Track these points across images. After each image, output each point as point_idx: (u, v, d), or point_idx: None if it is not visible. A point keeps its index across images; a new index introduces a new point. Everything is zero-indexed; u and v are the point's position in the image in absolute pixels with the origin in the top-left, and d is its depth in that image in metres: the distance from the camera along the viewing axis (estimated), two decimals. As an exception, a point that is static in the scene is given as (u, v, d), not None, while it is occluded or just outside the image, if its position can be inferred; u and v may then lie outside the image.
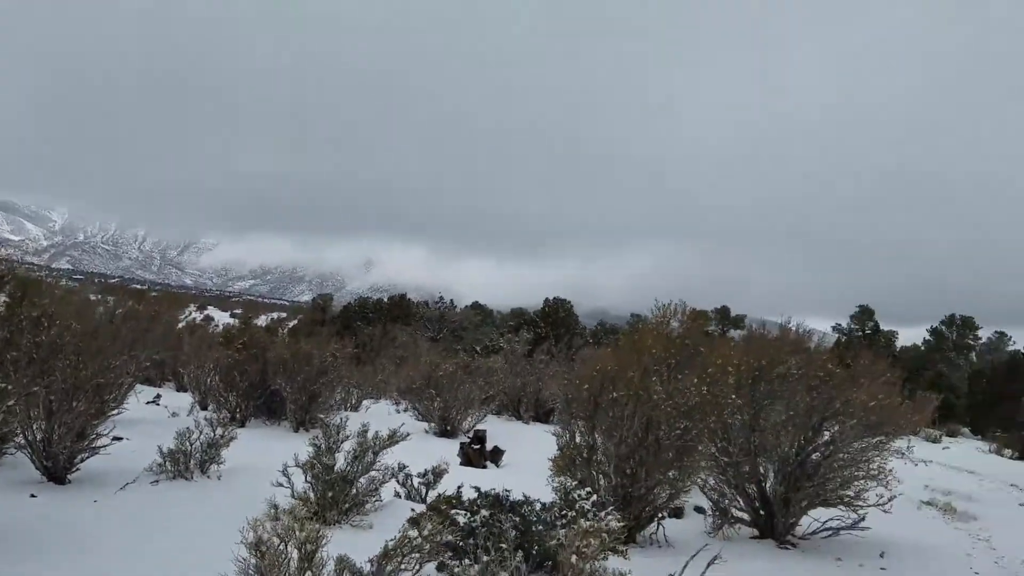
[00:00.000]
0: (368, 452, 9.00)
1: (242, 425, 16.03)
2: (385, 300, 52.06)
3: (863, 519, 10.98)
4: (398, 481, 10.23)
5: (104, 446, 10.05)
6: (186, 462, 9.97)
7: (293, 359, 16.58)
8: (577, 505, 7.94)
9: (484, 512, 7.41)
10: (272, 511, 7.79)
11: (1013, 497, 17.78)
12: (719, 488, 11.35)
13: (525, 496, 8.04)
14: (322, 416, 15.84)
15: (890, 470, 11.27)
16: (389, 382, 26.32)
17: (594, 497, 8.33)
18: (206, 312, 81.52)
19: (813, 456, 11.11)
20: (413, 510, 8.30)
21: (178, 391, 24.14)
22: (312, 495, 8.71)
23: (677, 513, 11.72)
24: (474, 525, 7.12)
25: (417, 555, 5.64)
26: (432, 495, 9.65)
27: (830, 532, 11.07)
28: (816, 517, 11.23)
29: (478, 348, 34.32)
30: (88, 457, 9.89)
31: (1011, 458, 27.42)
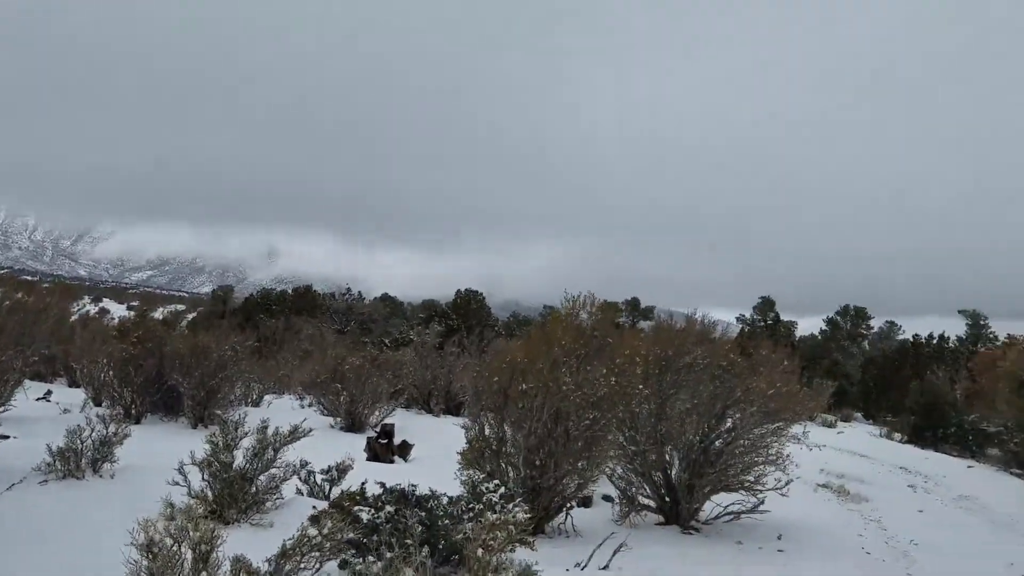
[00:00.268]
0: (268, 449, 8.72)
1: (137, 422, 15.41)
2: (289, 292, 50.90)
3: (762, 503, 11.33)
4: (300, 478, 9.96)
5: (-13, 445, 9.46)
6: (77, 461, 9.46)
7: (191, 353, 16.00)
8: (485, 498, 7.88)
9: (389, 508, 7.26)
10: (167, 511, 7.45)
11: (902, 479, 18.66)
12: (626, 476, 11.51)
13: (432, 490, 7.93)
14: (220, 412, 15.37)
15: (788, 455, 11.67)
16: (293, 376, 25.72)
17: (502, 489, 8.29)
18: (101, 304, 78.27)
19: (716, 443, 11.39)
20: (315, 507, 8.09)
21: (70, 387, 23.03)
22: (210, 494, 8.40)
23: (585, 502, 11.82)
24: (378, 521, 6.97)
25: (317, 553, 5.47)
26: (336, 492, 9.44)
27: (731, 516, 11.39)
28: (719, 502, 11.52)
29: (387, 341, 33.91)
30: (-31, 457, 9.29)
31: (900, 442, 28.80)
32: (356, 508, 7.00)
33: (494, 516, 7.03)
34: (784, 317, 55.34)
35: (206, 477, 8.48)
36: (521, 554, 7.21)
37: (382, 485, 7.73)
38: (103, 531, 7.56)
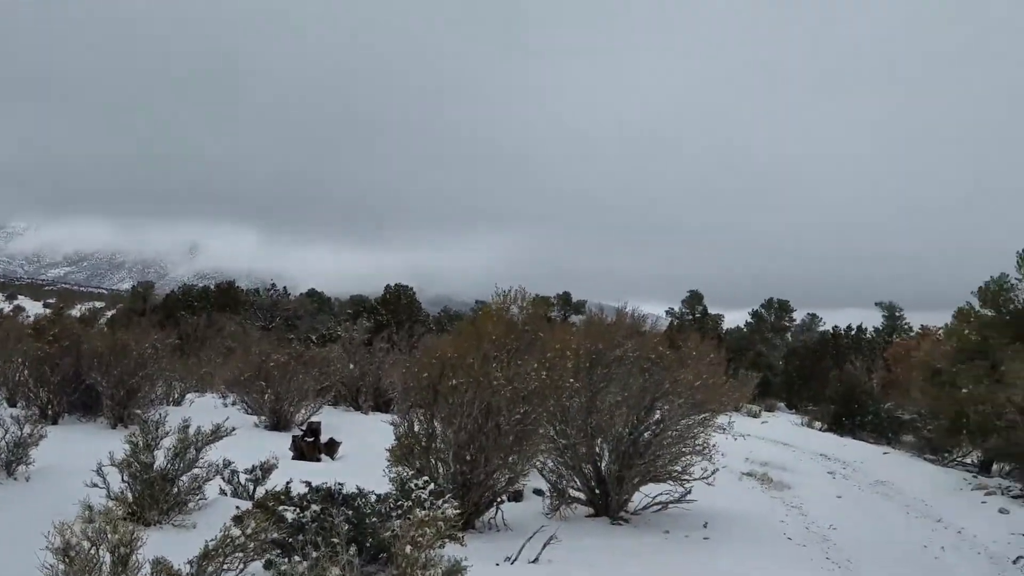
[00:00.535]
0: (190, 448, 8.47)
1: (54, 422, 14.81)
2: (212, 288, 49.68)
3: (689, 492, 11.54)
4: (223, 478, 9.71)
5: None
6: (-10, 463, 9.06)
7: (110, 351, 15.47)
8: (414, 495, 7.79)
9: (314, 507, 7.11)
10: (85, 513, 7.16)
11: (822, 466, 19.23)
12: (557, 470, 11.58)
13: (359, 488, 7.80)
14: (140, 412, 14.90)
15: (714, 445, 11.92)
16: (216, 374, 25.07)
17: (432, 486, 8.21)
18: (16, 302, 75.49)
19: (645, 435, 11.54)
20: (239, 508, 7.89)
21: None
22: (130, 495, 8.12)
23: (516, 496, 11.83)
24: (303, 521, 6.82)
25: (240, 554, 5.32)
26: (261, 491, 9.22)
27: (660, 506, 11.57)
28: (647, 493, 11.68)
29: (314, 337, 33.36)
30: None
31: (821, 430, 29.70)
32: (281, 508, 6.84)
33: (423, 513, 6.96)
34: (712, 310, 56.62)
35: (126, 478, 8.19)
36: (451, 550, 7.16)
37: (308, 484, 7.57)
38: (18, 535, 7.22)
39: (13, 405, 16.10)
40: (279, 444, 13.79)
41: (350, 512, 7.21)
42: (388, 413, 21.04)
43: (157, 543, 5.63)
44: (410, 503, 7.51)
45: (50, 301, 78.74)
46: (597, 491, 11.50)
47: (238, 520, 5.68)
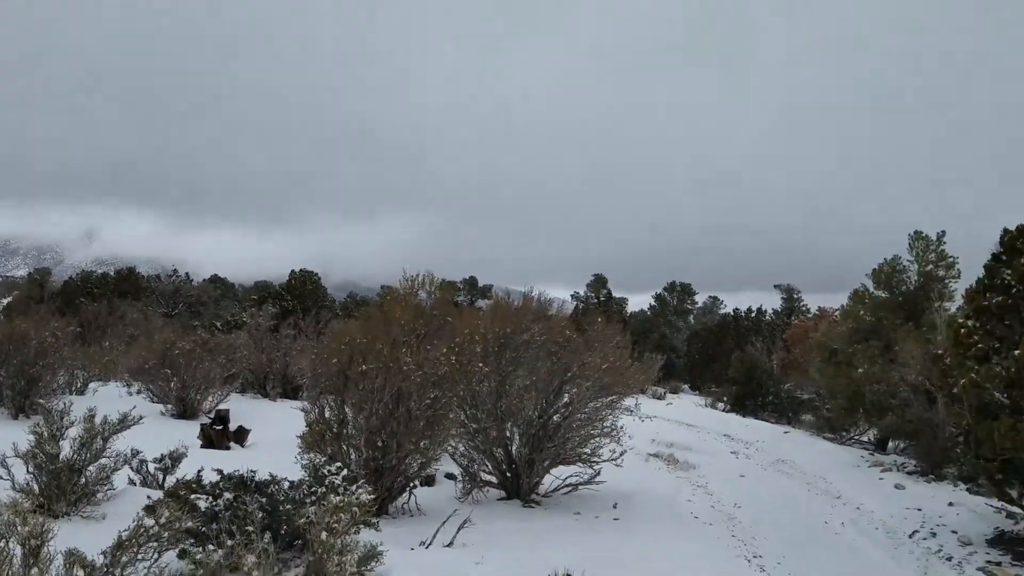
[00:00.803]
0: (97, 438, 8.21)
1: (-52, 414, 14.13)
2: (112, 274, 47.71)
3: (599, 473, 11.80)
4: (132, 468, 9.45)
5: None
6: None
7: (8, 340, 14.90)
8: (327, 481, 7.75)
9: (227, 495, 7.01)
10: (-8, 506, 6.87)
11: (726, 446, 19.90)
12: (469, 454, 11.66)
13: (272, 476, 7.72)
14: (43, 401, 14.36)
15: (622, 427, 12.19)
16: (119, 362, 24.19)
17: (345, 472, 8.17)
18: (-94, 291, 70.74)
19: (554, 418, 11.72)
20: (149, 497, 7.70)
21: None
22: (36, 487, 7.87)
23: (429, 481, 11.87)
24: (216, 509, 6.72)
25: (155, 544, 5.21)
26: (171, 480, 9.01)
27: (570, 488, 11.80)
28: (558, 475, 11.89)
29: (219, 324, 32.47)
30: None
31: (724, 411, 30.74)
32: (193, 496, 6.72)
33: (337, 499, 6.93)
34: (616, 294, 57.50)
35: (31, 469, 7.93)
36: (366, 535, 7.16)
37: (219, 472, 7.45)
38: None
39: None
40: (187, 433, 13.45)
41: (264, 500, 7.14)
42: (297, 400, 20.75)
43: (67, 535, 5.47)
44: (324, 489, 7.46)
45: (-59, 289, 74.17)
46: (508, 474, 11.64)
47: (151, 510, 5.56)
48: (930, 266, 22.57)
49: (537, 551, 8.44)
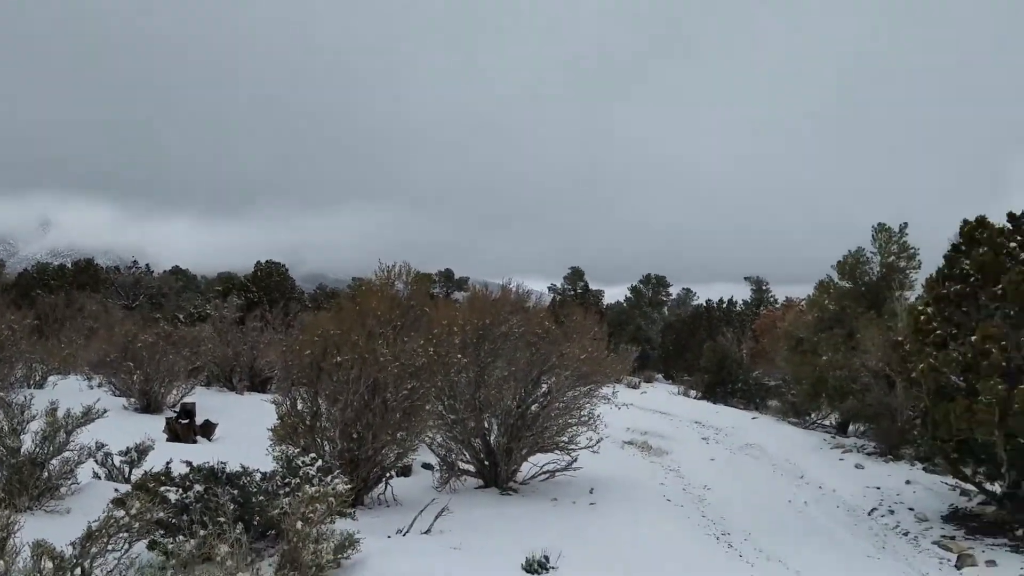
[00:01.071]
0: (60, 432, 7.97)
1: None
2: (69, 266, 46.67)
3: (576, 460, 11.81)
4: (97, 461, 9.20)
5: None
6: None
7: (-40, 334, 14.42)
8: (302, 472, 7.61)
9: (198, 487, 6.84)
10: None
11: (697, 432, 20.06)
12: (446, 444, 11.58)
13: (244, 467, 7.55)
14: (2, 395, 13.98)
15: (598, 415, 12.22)
16: (78, 356, 23.63)
17: (319, 463, 8.03)
18: None
19: (533, 407, 11.69)
20: (117, 490, 7.49)
21: None
22: (-3, 481, 7.63)
23: (405, 472, 11.76)
24: (187, 501, 6.55)
25: (125, 535, 5.05)
26: (137, 474, 8.80)
27: (547, 475, 11.79)
28: (535, 463, 11.87)
29: (181, 316, 31.88)
30: None
31: (696, 398, 31.00)
32: (163, 488, 6.54)
33: (313, 489, 6.82)
34: (592, 286, 57.73)
35: (-8, 464, 7.68)
36: (342, 525, 7.06)
37: (189, 464, 7.26)
38: None
39: None
40: (152, 426, 13.16)
41: (235, 491, 6.98)
42: (265, 393, 20.48)
43: (32, 529, 5.31)
44: (298, 480, 7.32)
45: None
46: (486, 463, 11.58)
47: (120, 502, 5.39)
48: (892, 257, 23.05)
49: (515, 535, 8.41)
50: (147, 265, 49.41)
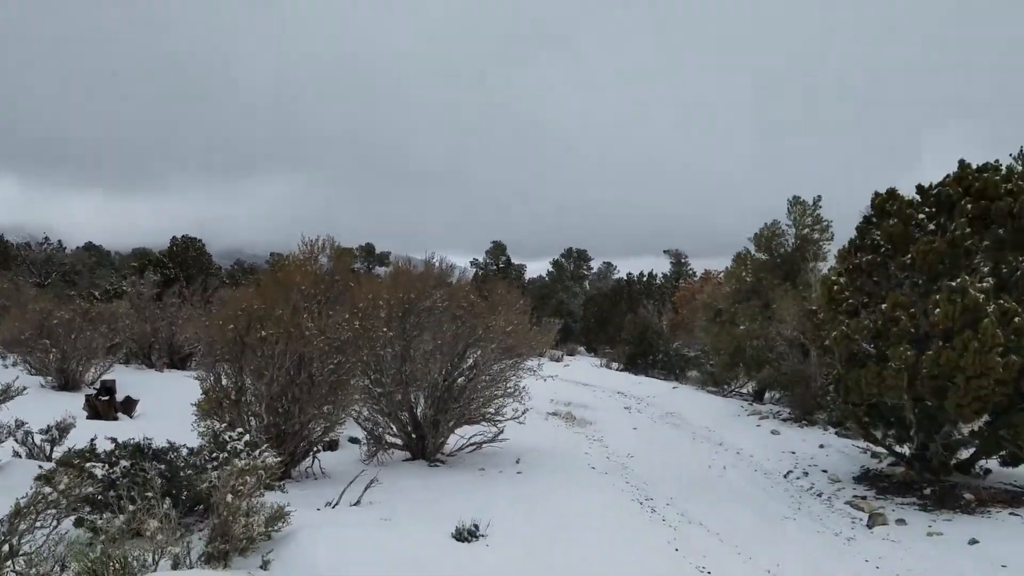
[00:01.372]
0: (-24, 411, 7.77)
1: None
2: (-25, 244, 44.61)
3: (502, 432, 12.03)
4: (17, 440, 9.00)
5: None
6: None
7: None
8: (229, 446, 7.61)
9: (124, 463, 6.80)
10: None
11: (620, 403, 20.55)
12: (373, 418, 11.65)
13: (170, 442, 7.51)
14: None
15: (524, 387, 12.45)
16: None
17: (247, 437, 8.03)
18: None
19: (459, 380, 11.84)
20: (41, 467, 7.36)
21: None
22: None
23: (332, 446, 11.80)
24: (114, 477, 6.51)
25: (54, 511, 5.01)
26: (59, 451, 8.63)
27: (474, 447, 11.98)
28: (462, 435, 12.04)
29: (97, 293, 30.93)
30: None
31: (618, 370, 31.65)
32: (89, 465, 6.47)
33: (242, 462, 6.83)
34: (515, 260, 58.10)
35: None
36: (272, 498, 7.09)
37: (113, 441, 7.19)
38: None
39: None
40: (71, 404, 12.85)
41: (163, 466, 6.95)
42: (186, 370, 20.14)
43: (-52, 511, 5.19)
44: (226, 454, 7.32)
45: None
46: (414, 436, 11.70)
47: (46, 478, 5.33)
48: (807, 229, 23.85)
49: (444, 504, 8.56)
50: (59, 241, 47.49)
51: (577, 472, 11.45)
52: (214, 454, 7.54)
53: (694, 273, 50.36)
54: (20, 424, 8.98)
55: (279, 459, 7.57)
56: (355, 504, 8.48)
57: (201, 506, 7.19)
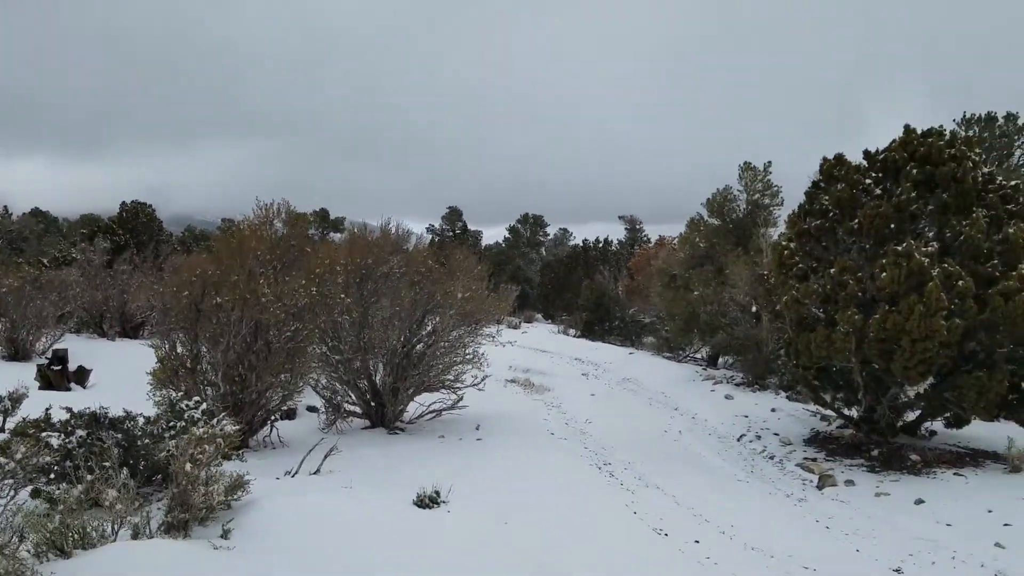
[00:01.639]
0: (-78, 382, 7.57)
1: None
2: (-83, 209, 43.22)
3: (461, 399, 12.08)
4: (-34, 412, 8.81)
5: None
6: None
7: None
8: (186, 415, 7.54)
9: (80, 432, 6.71)
10: None
11: (577, 370, 20.76)
12: (331, 386, 11.62)
13: (127, 412, 7.41)
14: None
15: (482, 354, 12.50)
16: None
17: (204, 405, 7.96)
18: None
19: (418, 347, 11.84)
20: (-6, 439, 7.23)
21: None
22: None
23: (290, 415, 11.74)
24: (70, 446, 6.42)
25: (11, 481, 4.94)
26: (12, 422, 8.47)
27: (434, 414, 12.03)
28: (422, 402, 12.08)
29: (45, 260, 30.20)
30: None
31: (575, 336, 31.89)
32: (44, 434, 6.36)
33: (201, 430, 6.77)
34: (471, 226, 57.88)
35: None
36: (230, 467, 7.05)
37: (69, 410, 7.08)
38: None
39: None
40: (22, 375, 12.61)
41: (119, 436, 6.87)
42: (138, 338, 19.84)
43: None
44: (184, 423, 7.26)
45: None
46: (373, 404, 11.70)
47: (2, 449, 5.24)
48: (757, 195, 24.23)
49: (404, 471, 8.61)
50: (5, 207, 46.21)
51: (536, 438, 11.58)
52: (171, 423, 7.47)
53: (648, 239, 50.78)
54: (-30, 395, 8.79)
55: (237, 427, 7.53)
56: (315, 473, 8.49)
57: (159, 476, 7.12)
